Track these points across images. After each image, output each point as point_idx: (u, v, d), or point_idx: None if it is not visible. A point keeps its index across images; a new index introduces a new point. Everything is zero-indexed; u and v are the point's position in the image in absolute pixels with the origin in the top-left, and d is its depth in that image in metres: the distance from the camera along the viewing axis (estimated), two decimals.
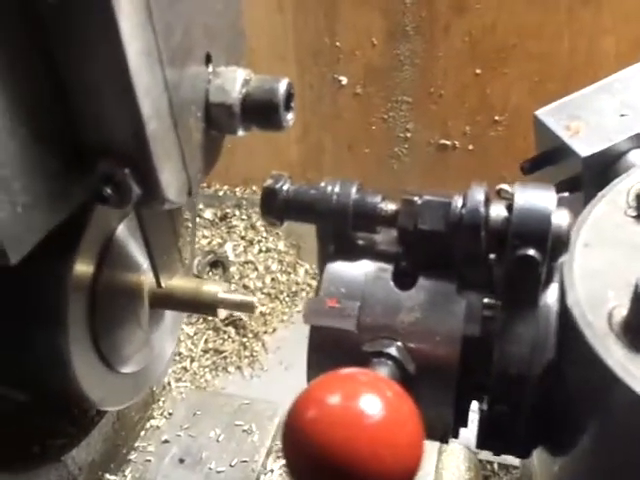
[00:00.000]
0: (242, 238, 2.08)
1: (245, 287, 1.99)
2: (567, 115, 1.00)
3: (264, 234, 2.09)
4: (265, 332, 1.89)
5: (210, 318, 1.82)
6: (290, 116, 0.70)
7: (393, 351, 0.68)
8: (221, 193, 2.15)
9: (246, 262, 2.03)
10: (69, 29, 0.52)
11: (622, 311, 0.60)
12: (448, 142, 1.85)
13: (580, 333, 0.60)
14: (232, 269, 2.00)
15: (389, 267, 0.72)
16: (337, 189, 0.72)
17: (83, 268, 0.76)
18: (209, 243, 2.04)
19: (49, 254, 0.72)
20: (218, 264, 1.98)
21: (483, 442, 0.71)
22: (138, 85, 0.55)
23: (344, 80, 1.83)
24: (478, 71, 1.73)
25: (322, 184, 0.72)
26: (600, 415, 0.61)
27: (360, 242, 0.75)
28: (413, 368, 0.68)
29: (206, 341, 1.83)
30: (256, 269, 2.03)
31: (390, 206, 0.72)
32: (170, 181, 0.62)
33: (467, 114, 1.79)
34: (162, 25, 0.57)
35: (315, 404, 0.52)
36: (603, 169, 0.92)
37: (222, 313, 0.86)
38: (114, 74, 0.53)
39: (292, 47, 1.82)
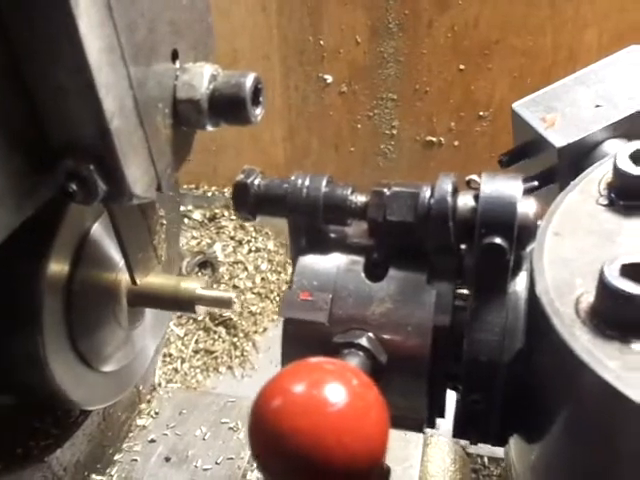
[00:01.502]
0: (231, 238, 2.08)
1: (235, 287, 1.99)
2: (543, 107, 1.00)
3: (253, 234, 2.09)
4: (255, 332, 1.89)
5: (200, 319, 1.83)
6: (259, 111, 0.70)
7: (364, 342, 0.68)
8: (209, 194, 2.15)
9: (236, 262, 2.03)
10: (29, 27, 0.52)
11: (589, 297, 0.60)
12: (434, 138, 1.86)
13: (548, 320, 0.60)
14: (222, 269, 2.00)
15: (360, 259, 0.73)
16: (307, 182, 0.72)
17: (58, 267, 0.76)
18: (198, 244, 2.05)
19: (23, 253, 0.73)
20: (207, 264, 1.98)
21: (458, 431, 0.72)
22: (100, 82, 0.55)
23: (329, 79, 1.84)
24: (462, 67, 1.73)
25: (292, 178, 0.73)
26: (568, 400, 0.61)
27: (331, 235, 0.75)
28: (385, 358, 0.68)
29: (197, 342, 1.83)
30: (246, 269, 2.03)
31: (360, 198, 0.72)
32: (137, 176, 0.62)
33: (452, 110, 1.80)
34: (124, 22, 0.57)
35: (280, 393, 0.52)
36: (578, 159, 0.92)
37: (200, 309, 0.86)
38: (75, 72, 0.54)
39: (276, 46, 1.82)
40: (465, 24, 1.67)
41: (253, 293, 1.99)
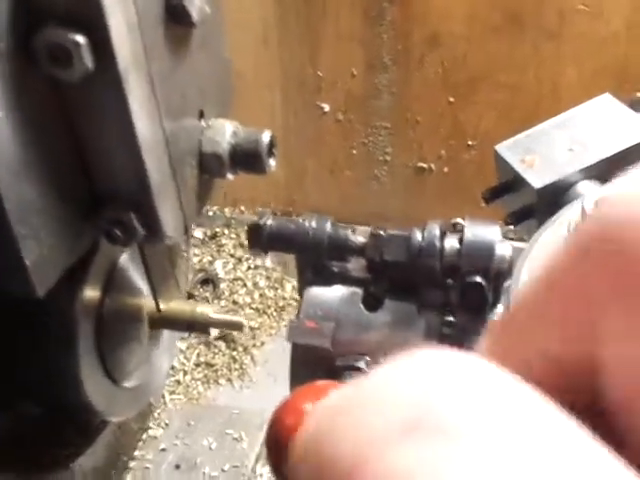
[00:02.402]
0: (231, 256, 2.18)
1: (235, 303, 2.09)
2: (523, 149, 1.10)
3: None
4: (254, 346, 1.99)
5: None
6: (272, 162, 0.80)
7: (362, 365, 0.79)
8: (211, 213, 2.25)
9: (235, 279, 2.13)
10: (86, 101, 0.62)
11: None
12: (425, 165, 1.97)
13: None
14: (222, 286, 2.10)
15: (360, 291, 0.84)
16: (313, 224, 0.83)
17: (91, 293, 0.86)
18: (200, 261, 2.14)
19: (62, 280, 0.82)
20: (209, 281, 2.08)
21: None
22: (143, 144, 0.65)
23: (326, 107, 1.95)
24: (451, 99, 1.84)
25: (300, 220, 0.83)
26: None
27: (334, 269, 0.86)
28: None
29: (198, 355, 1.93)
30: (245, 285, 2.13)
31: (359, 239, 0.83)
32: (169, 222, 0.73)
33: (442, 139, 1.91)
34: (163, 93, 0.68)
35: (293, 412, 0.62)
36: (555, 199, 1.02)
37: (213, 332, 0.96)
38: (123, 137, 0.64)
39: (277, 76, 1.93)
40: (454, 60, 1.78)
41: (252, 308, 2.09)
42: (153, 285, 0.85)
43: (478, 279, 0.75)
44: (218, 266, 2.13)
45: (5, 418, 0.96)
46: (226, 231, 2.23)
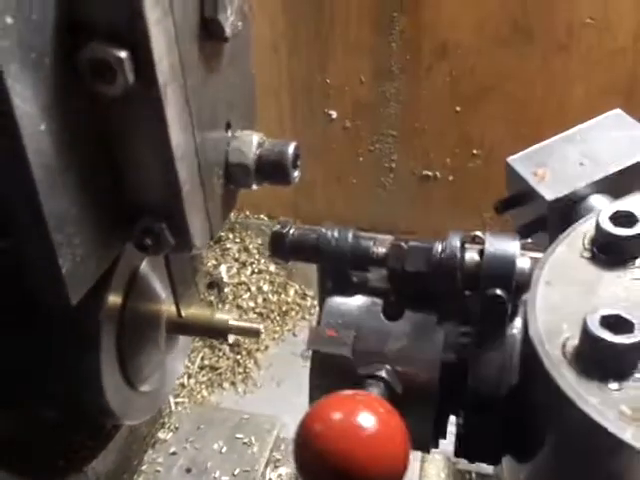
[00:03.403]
0: (236, 260, 2.19)
1: (239, 307, 2.10)
2: (535, 162, 1.11)
3: (256, 256, 2.20)
4: (257, 349, 1.99)
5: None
6: (296, 173, 0.82)
7: (383, 374, 0.79)
8: None
9: (239, 283, 2.14)
10: (125, 114, 0.63)
11: (573, 342, 0.70)
12: (430, 173, 1.98)
13: (539, 360, 0.69)
14: (226, 290, 2.11)
15: (379, 301, 0.85)
16: (336, 234, 0.84)
17: (114, 299, 0.87)
18: (205, 265, 2.15)
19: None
20: (214, 285, 2.08)
21: (459, 452, 0.83)
22: (177, 155, 0.66)
23: (334, 114, 1.96)
24: (458, 109, 1.86)
25: (322, 230, 0.85)
26: (555, 429, 0.72)
27: (354, 279, 0.87)
28: (400, 388, 0.80)
29: (202, 358, 1.94)
30: (249, 290, 2.14)
31: (381, 249, 0.84)
32: (197, 231, 0.74)
33: (448, 147, 1.93)
34: (195, 106, 0.69)
35: (321, 421, 0.64)
36: (566, 211, 1.03)
37: (231, 338, 0.97)
38: (159, 148, 0.65)
39: (286, 84, 1.94)
40: (462, 70, 1.80)
41: (255, 313, 2.10)
42: (175, 291, 0.86)
43: (498, 292, 0.76)
44: (222, 270, 2.13)
45: (21, 421, 0.97)
46: (231, 235, 2.24)
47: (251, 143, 0.80)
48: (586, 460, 0.67)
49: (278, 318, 2.10)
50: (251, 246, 2.20)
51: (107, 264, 0.71)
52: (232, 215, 2.28)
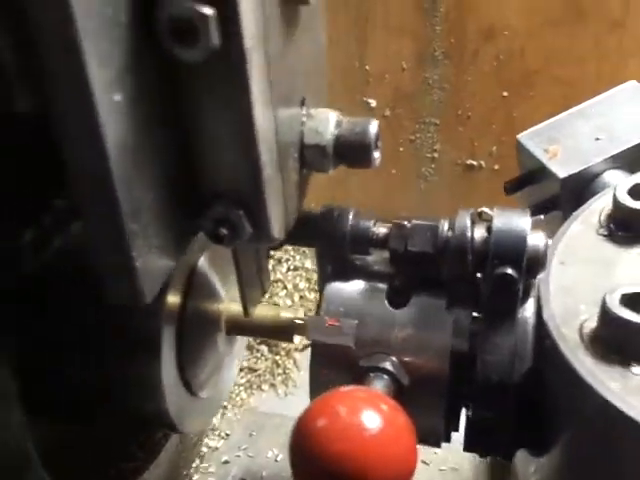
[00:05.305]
0: (270, 257, 2.11)
1: (275, 305, 2.02)
2: (546, 139, 1.05)
3: (292, 253, 2.13)
4: (296, 349, 1.92)
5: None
6: (377, 154, 0.74)
7: (388, 365, 0.72)
8: None
9: (275, 281, 2.06)
10: (204, 85, 0.56)
11: (591, 324, 0.63)
12: (474, 162, 1.90)
13: (554, 344, 0.63)
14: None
15: (383, 286, 0.77)
16: (335, 215, 0.77)
17: (172, 300, 0.79)
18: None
19: None
20: None
21: (469, 445, 0.75)
22: (260, 135, 0.59)
23: (373, 103, 1.88)
24: (505, 94, 1.78)
25: (320, 211, 0.78)
26: (573, 418, 0.64)
27: (355, 263, 0.80)
28: (407, 381, 0.72)
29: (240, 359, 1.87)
30: (285, 287, 2.06)
31: (382, 229, 0.77)
32: (276, 219, 0.66)
33: (494, 135, 1.84)
34: (275, 78, 0.61)
35: (319, 421, 0.56)
36: (580, 189, 0.96)
37: (297, 338, 0.90)
38: (241, 127, 0.57)
39: None
40: (510, 53, 1.71)
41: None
42: (243, 289, 0.79)
43: (509, 271, 0.68)
44: None
45: (74, 435, 0.90)
46: None
47: (328, 122, 0.72)
48: (608, 451, 0.60)
49: None
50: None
51: (179, 257, 0.63)
52: None
